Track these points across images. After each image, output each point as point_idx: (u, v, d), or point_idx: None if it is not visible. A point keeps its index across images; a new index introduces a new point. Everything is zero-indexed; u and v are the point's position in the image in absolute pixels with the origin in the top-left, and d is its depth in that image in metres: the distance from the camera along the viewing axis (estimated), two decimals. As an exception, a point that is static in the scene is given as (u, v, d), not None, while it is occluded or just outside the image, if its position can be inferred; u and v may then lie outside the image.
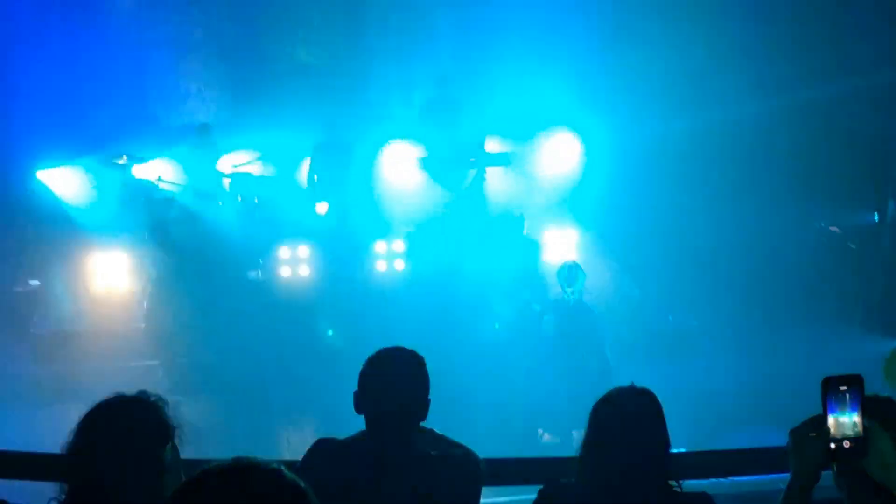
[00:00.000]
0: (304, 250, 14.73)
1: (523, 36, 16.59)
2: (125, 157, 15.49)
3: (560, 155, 16.13)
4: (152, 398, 3.47)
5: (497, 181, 15.73)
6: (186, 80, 17.79)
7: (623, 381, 3.87)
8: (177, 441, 3.46)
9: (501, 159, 16.01)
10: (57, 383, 10.89)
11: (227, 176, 15.36)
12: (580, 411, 9.40)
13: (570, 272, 11.20)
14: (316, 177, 15.50)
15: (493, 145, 16.08)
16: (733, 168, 15.96)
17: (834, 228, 14.03)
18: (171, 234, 14.74)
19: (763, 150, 15.68)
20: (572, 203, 16.17)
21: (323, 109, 16.86)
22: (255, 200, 15.48)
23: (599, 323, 11.54)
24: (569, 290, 11.13)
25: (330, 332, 13.93)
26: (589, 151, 16.73)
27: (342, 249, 14.99)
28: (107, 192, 15.67)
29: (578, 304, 11.28)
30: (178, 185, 15.55)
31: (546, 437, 11.35)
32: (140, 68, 17.23)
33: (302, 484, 2.35)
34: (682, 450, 4.95)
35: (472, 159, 15.82)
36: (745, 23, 16.57)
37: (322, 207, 15.41)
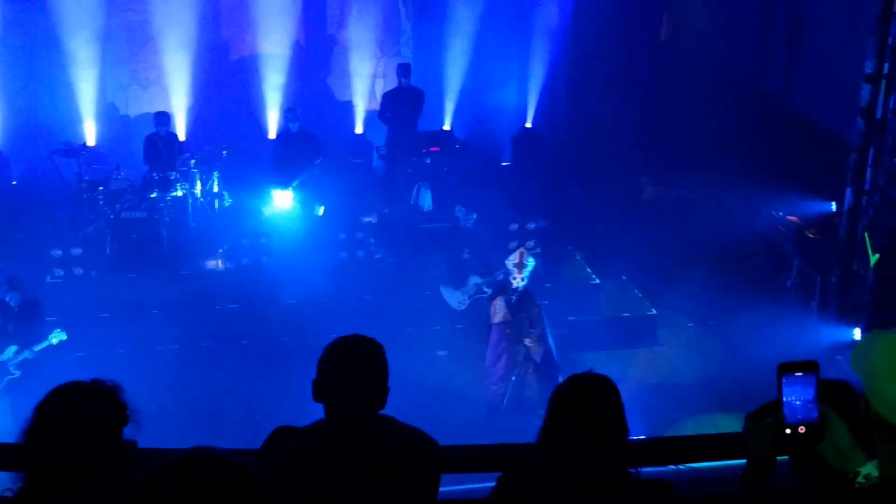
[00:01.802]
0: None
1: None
2: (82, 147, 15.42)
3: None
4: (108, 383, 3.45)
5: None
6: (145, 68, 17.75)
7: (569, 369, 3.88)
8: (134, 426, 3.44)
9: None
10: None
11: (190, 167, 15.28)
12: (524, 399, 9.46)
13: (520, 259, 11.24)
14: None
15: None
16: (693, 157, 16.09)
17: (792, 218, 14.14)
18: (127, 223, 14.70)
19: (722, 141, 15.80)
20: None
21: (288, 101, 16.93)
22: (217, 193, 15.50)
23: (544, 311, 11.56)
24: (518, 276, 11.16)
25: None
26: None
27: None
28: (63, 181, 15.57)
29: (526, 291, 11.31)
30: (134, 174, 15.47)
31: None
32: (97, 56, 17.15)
33: (261, 475, 2.35)
34: (641, 437, 4.98)
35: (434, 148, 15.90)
36: (707, 13, 16.73)
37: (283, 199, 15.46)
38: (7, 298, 11.25)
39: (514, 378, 11.25)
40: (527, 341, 11.20)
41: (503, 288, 11.36)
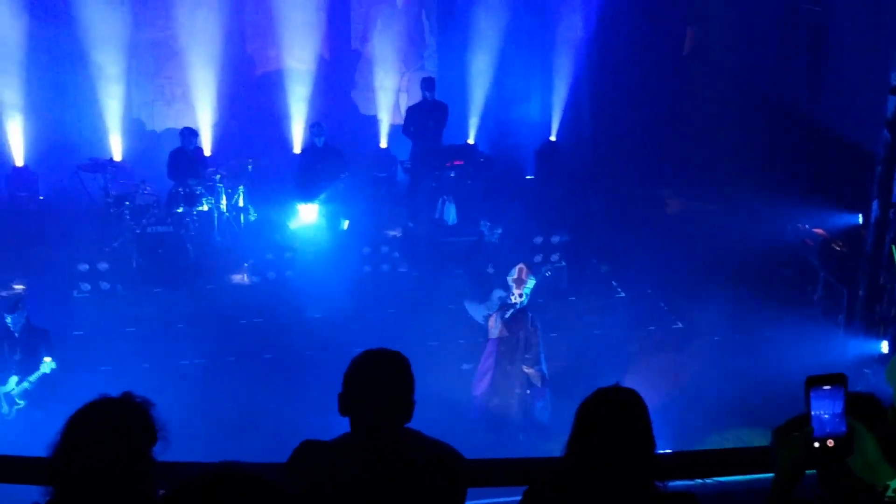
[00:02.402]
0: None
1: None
2: (109, 162, 15.52)
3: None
4: (137, 399, 3.46)
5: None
6: (171, 84, 17.86)
7: (595, 382, 3.86)
8: (162, 442, 3.45)
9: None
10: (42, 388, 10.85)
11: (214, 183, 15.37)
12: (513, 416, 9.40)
13: (520, 275, 11.19)
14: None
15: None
16: (718, 170, 16.05)
17: (818, 230, 14.07)
18: (153, 237, 14.78)
19: (747, 153, 15.76)
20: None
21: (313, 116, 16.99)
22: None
23: (540, 333, 11.51)
24: (516, 292, 11.12)
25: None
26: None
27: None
28: (90, 196, 15.67)
29: (524, 310, 11.27)
30: (160, 188, 15.58)
31: None
32: (124, 73, 17.27)
33: (286, 489, 2.35)
34: (668, 450, 4.96)
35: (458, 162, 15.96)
36: (730, 25, 16.69)
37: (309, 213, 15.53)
38: (7, 321, 10.93)
39: (517, 392, 11.25)
40: (525, 369, 11.20)
41: (502, 305, 11.34)
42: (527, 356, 11.24)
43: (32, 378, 10.59)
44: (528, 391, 11.34)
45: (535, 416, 11.38)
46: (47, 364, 10.55)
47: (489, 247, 13.50)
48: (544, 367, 11.45)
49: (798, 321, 13.18)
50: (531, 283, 11.20)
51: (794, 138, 15.63)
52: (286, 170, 16.64)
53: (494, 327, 11.24)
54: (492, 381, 11.35)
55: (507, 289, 11.26)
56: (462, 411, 11.42)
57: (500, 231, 13.63)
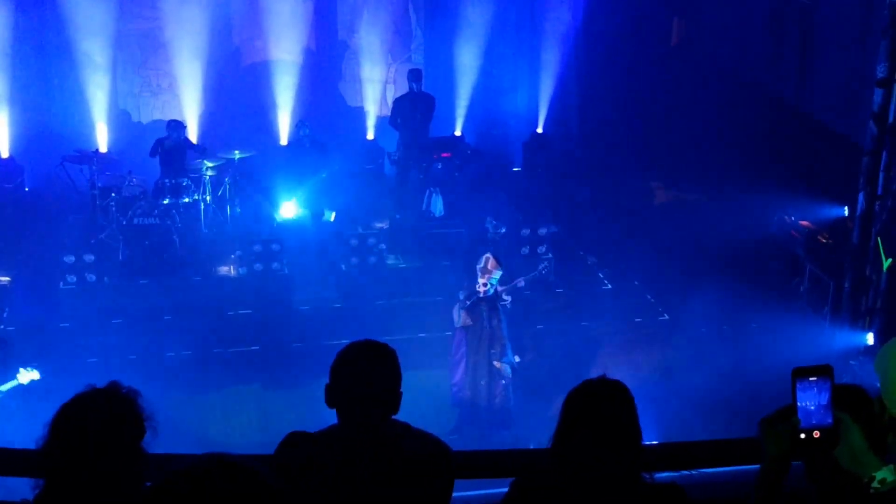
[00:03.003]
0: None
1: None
2: (95, 153, 15.45)
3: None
4: (124, 390, 3.46)
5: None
6: (158, 75, 17.81)
7: (582, 374, 3.86)
8: (150, 432, 3.45)
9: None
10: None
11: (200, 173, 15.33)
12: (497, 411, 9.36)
13: (485, 264, 11.20)
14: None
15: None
16: (705, 162, 16.08)
17: (804, 222, 14.11)
18: (140, 229, 14.74)
19: (734, 145, 15.79)
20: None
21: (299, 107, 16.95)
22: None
23: (504, 323, 11.51)
24: (481, 282, 11.13)
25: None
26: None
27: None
28: (76, 188, 15.62)
29: (492, 301, 11.28)
30: (146, 180, 15.55)
31: None
32: (109, 64, 17.22)
33: (273, 481, 2.35)
34: (654, 442, 4.97)
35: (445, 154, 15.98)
36: (717, 17, 16.71)
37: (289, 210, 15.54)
38: None
39: (483, 383, 11.28)
40: (495, 363, 11.24)
41: (469, 294, 11.33)
42: (492, 350, 11.25)
43: (4, 388, 10.22)
44: (503, 381, 11.37)
45: (504, 406, 11.42)
46: (26, 373, 10.22)
47: (490, 244, 13.50)
48: (512, 358, 11.48)
49: (784, 313, 13.23)
50: (497, 274, 11.19)
51: (780, 130, 15.67)
52: (273, 161, 16.62)
53: (459, 317, 11.25)
54: (464, 371, 11.40)
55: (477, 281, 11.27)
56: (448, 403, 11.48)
57: (503, 230, 13.63)
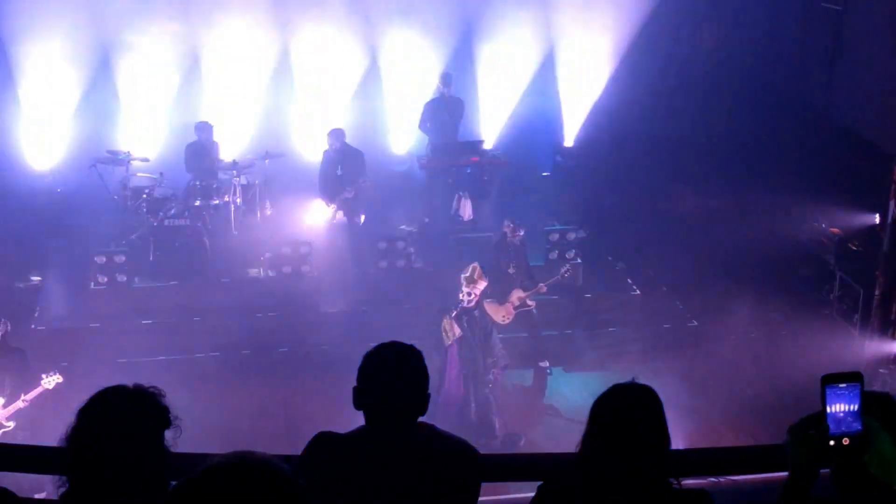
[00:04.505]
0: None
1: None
2: (126, 155, 15.51)
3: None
4: (149, 388, 3.48)
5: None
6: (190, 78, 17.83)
7: (610, 379, 3.86)
8: (175, 430, 3.46)
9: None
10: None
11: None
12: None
13: (471, 273, 11.00)
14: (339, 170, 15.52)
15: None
16: (735, 168, 16.01)
17: (835, 230, 14.04)
18: (170, 230, 14.81)
19: (764, 152, 15.72)
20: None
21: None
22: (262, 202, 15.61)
23: (494, 332, 11.34)
24: (465, 290, 10.94)
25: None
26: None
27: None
28: (108, 189, 15.69)
29: (481, 311, 11.10)
30: (177, 182, 15.61)
31: None
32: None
33: (300, 481, 2.36)
34: (682, 448, 4.96)
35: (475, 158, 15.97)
36: (747, 27, 16.64)
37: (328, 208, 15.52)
38: None
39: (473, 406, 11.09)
40: (495, 373, 11.07)
41: (455, 305, 11.07)
42: (489, 360, 11.10)
43: (29, 396, 10.22)
44: (486, 390, 11.17)
45: (487, 416, 11.14)
46: (50, 380, 10.27)
47: (510, 247, 13.43)
48: (503, 361, 11.35)
49: (814, 320, 13.16)
50: (482, 284, 10.99)
51: (810, 136, 15.59)
52: (302, 163, 16.66)
53: (450, 330, 10.97)
54: (462, 385, 11.04)
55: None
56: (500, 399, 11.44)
57: (522, 233, 13.50)
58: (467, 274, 10.96)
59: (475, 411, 11.05)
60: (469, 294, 10.87)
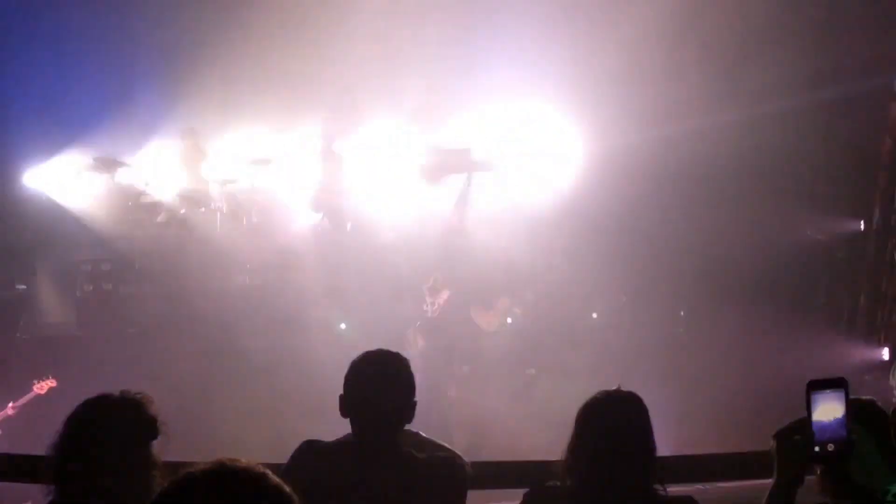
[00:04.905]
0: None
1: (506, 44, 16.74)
2: (114, 161, 15.48)
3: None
4: (136, 396, 3.47)
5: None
6: (174, 82, 17.78)
7: (596, 387, 3.86)
8: (162, 438, 3.46)
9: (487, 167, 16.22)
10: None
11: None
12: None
13: (434, 284, 10.83)
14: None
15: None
16: (719, 176, 16.00)
17: (820, 237, 14.07)
18: (157, 239, 14.79)
19: (749, 159, 15.72)
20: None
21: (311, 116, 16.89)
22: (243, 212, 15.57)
23: (455, 343, 11.21)
24: (428, 300, 10.77)
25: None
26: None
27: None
28: (94, 196, 15.65)
29: (436, 319, 10.92)
30: (165, 190, 15.59)
31: None
32: (127, 70, 17.24)
33: (286, 489, 2.36)
34: (668, 454, 4.96)
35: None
36: (728, 28, 16.64)
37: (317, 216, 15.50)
38: None
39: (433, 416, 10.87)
40: (453, 388, 10.91)
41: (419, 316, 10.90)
42: (449, 369, 10.92)
43: (18, 403, 10.17)
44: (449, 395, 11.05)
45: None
46: (41, 384, 10.23)
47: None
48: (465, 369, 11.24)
49: (800, 327, 13.18)
50: (444, 293, 10.83)
51: (795, 144, 15.60)
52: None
53: (413, 340, 10.80)
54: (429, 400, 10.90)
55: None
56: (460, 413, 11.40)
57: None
58: (429, 284, 10.80)
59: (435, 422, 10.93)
60: (433, 304, 10.70)
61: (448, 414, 10.92)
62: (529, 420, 11.86)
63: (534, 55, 15.55)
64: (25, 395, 10.11)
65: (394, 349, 4.11)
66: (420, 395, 4.02)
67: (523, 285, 13.28)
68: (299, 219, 15.68)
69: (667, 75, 15.94)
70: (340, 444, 4.01)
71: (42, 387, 10.17)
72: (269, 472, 2.39)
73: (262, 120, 17.11)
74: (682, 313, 14.31)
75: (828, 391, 3.15)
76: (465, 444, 11.22)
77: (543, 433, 11.31)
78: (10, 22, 16.31)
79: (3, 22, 16.21)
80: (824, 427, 3.13)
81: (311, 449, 4.05)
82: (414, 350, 10.58)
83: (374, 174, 15.76)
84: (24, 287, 14.43)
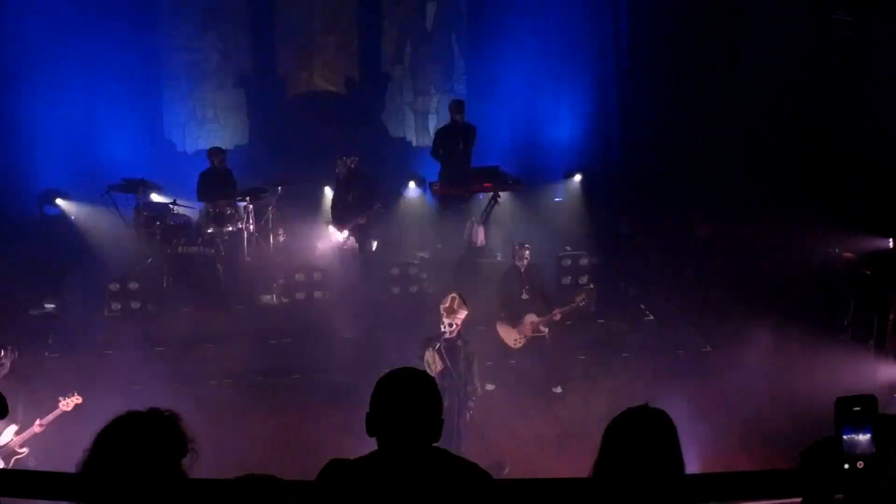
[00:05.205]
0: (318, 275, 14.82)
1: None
2: (141, 182, 15.64)
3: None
4: (165, 412, 3.48)
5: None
6: (202, 106, 18.00)
7: (624, 405, 3.85)
8: (191, 455, 3.46)
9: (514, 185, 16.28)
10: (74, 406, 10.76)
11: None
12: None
13: (451, 304, 10.65)
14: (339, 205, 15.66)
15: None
16: (747, 193, 15.99)
17: (848, 254, 13.99)
18: (184, 257, 14.88)
19: (777, 177, 15.69)
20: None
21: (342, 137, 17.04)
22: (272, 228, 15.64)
23: (475, 361, 10.99)
24: (446, 321, 10.57)
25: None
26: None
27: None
28: (122, 216, 15.78)
29: (462, 341, 10.73)
30: (192, 209, 15.71)
31: None
32: (156, 94, 17.45)
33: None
34: (696, 472, 4.94)
35: (487, 185, 15.99)
36: (760, 54, 16.64)
37: (340, 234, 15.57)
38: None
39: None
40: (470, 404, 10.72)
41: (437, 337, 10.69)
42: (469, 388, 10.77)
43: (45, 421, 10.16)
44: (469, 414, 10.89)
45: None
46: (67, 401, 10.24)
47: (521, 271, 13.37)
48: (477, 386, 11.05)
49: (828, 345, 13.09)
50: (462, 313, 10.64)
51: (823, 161, 15.56)
52: (315, 190, 16.74)
53: (432, 362, 10.63)
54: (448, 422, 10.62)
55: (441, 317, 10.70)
56: (485, 433, 11.33)
57: (527, 254, 13.37)
58: (446, 304, 10.63)
59: (456, 441, 10.78)
60: (451, 325, 10.55)
61: (469, 434, 10.85)
62: (554, 439, 11.84)
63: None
64: (52, 412, 10.14)
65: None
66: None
67: (549, 303, 13.24)
68: (326, 237, 15.75)
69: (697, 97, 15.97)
70: (367, 463, 4.01)
71: (67, 403, 10.19)
72: (295, 484, 2.41)
73: (288, 141, 17.29)
74: (708, 331, 14.22)
75: (856, 409, 3.14)
76: (486, 463, 11.11)
77: (568, 451, 11.34)
78: (42, 44, 16.52)
79: (35, 45, 16.42)
80: (853, 445, 3.12)
81: (338, 468, 4.05)
82: (434, 371, 10.44)
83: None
84: (52, 306, 14.50)
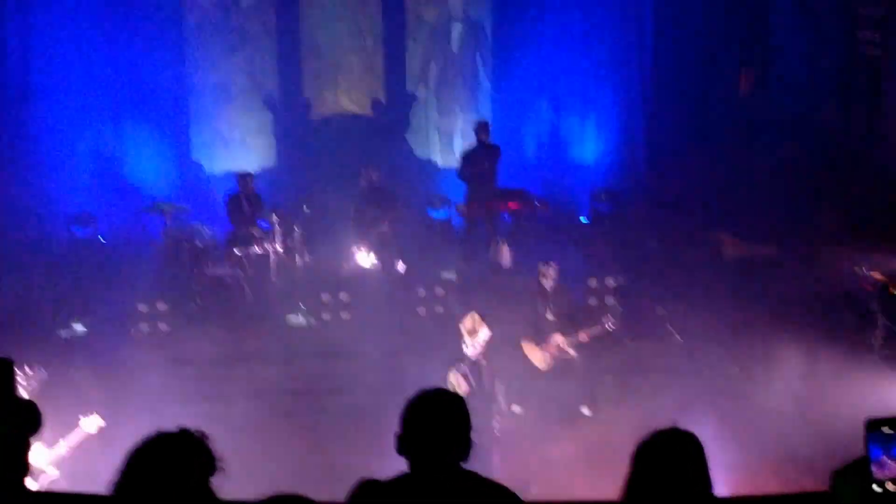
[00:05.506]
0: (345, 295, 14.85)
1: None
2: (168, 204, 15.76)
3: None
4: (195, 432, 3.50)
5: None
6: (230, 127, 18.13)
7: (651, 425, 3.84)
8: (220, 475, 3.48)
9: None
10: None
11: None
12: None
13: (472, 324, 10.57)
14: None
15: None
16: (775, 215, 15.94)
17: (877, 275, 13.93)
18: (212, 279, 14.96)
19: (805, 197, 15.65)
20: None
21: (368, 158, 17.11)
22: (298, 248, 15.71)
23: (497, 378, 10.89)
24: (468, 342, 10.51)
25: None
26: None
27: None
28: (150, 237, 15.89)
29: (478, 360, 10.64)
30: (220, 231, 15.80)
31: None
32: (184, 115, 17.59)
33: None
34: (725, 495, 4.93)
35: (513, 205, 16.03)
36: (786, 72, 16.63)
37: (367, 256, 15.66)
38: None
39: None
40: (496, 422, 10.61)
41: (460, 358, 10.60)
42: (493, 406, 10.71)
43: (69, 443, 10.11)
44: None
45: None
46: (89, 422, 10.18)
47: (546, 291, 13.36)
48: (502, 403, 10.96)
49: (858, 366, 13.02)
50: (483, 333, 10.54)
51: (851, 181, 15.52)
52: (342, 211, 16.80)
53: (456, 384, 10.55)
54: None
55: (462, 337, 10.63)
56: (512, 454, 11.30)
57: (552, 272, 13.34)
58: (467, 324, 10.58)
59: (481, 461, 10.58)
60: (473, 345, 10.51)
61: (495, 454, 10.80)
62: (582, 460, 11.80)
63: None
64: (73, 430, 10.11)
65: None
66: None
67: (576, 324, 13.21)
68: (351, 257, 15.80)
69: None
70: (397, 483, 4.02)
71: (89, 424, 10.15)
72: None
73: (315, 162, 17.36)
74: (736, 352, 14.15)
75: (886, 430, 3.13)
76: (513, 484, 11.05)
77: (596, 473, 11.29)
78: (70, 65, 16.69)
79: (62, 67, 16.60)
80: (883, 465, 3.11)
81: (367, 488, 4.06)
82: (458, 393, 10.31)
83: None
84: (81, 328, 14.58)
